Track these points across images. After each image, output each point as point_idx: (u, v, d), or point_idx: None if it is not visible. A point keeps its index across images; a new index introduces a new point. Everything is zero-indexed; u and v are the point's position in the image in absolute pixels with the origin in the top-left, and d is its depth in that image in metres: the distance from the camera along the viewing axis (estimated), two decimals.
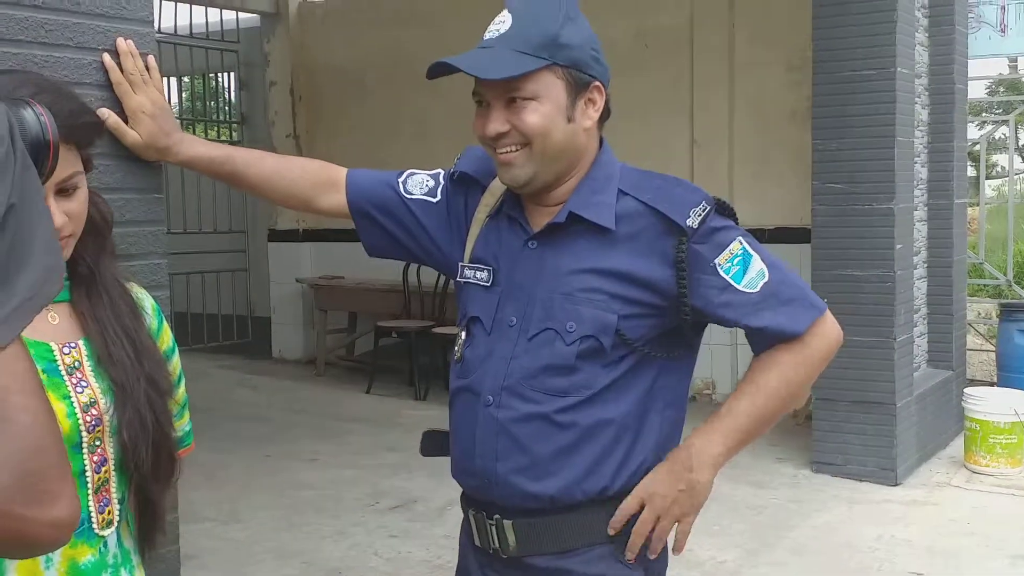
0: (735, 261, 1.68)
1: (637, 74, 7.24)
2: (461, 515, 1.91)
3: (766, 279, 1.69)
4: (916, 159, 5.79)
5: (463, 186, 1.89)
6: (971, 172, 7.68)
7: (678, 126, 7.20)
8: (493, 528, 1.78)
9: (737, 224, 1.75)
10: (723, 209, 1.73)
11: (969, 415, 5.47)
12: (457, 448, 1.82)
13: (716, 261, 1.68)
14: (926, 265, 6.09)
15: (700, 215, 1.68)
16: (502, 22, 1.69)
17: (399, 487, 5.14)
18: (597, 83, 1.71)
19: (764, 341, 1.73)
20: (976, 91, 7.40)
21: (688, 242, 1.67)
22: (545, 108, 1.67)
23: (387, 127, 8.31)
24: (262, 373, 8.33)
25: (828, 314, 1.74)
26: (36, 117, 1.07)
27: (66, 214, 1.39)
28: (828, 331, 1.74)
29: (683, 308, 1.69)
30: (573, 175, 1.75)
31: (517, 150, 1.69)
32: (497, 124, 1.68)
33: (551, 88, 1.67)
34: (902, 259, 5.36)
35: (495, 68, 1.65)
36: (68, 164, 1.39)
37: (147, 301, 1.58)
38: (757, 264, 1.70)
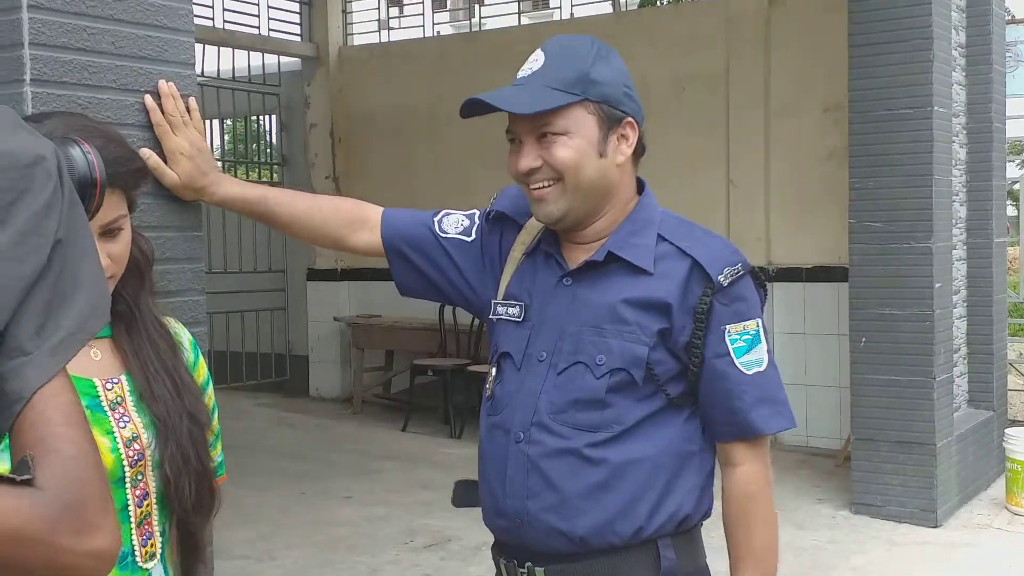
0: (744, 337, 1.70)
1: (673, 117, 7.28)
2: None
3: (761, 369, 1.71)
4: (954, 198, 5.76)
5: (499, 225, 1.90)
6: (1011, 211, 7.62)
7: (714, 168, 7.22)
8: None
9: (764, 295, 1.78)
10: (757, 279, 1.75)
11: (1010, 456, 5.39)
12: (487, 488, 1.80)
13: (727, 327, 1.69)
14: (966, 304, 6.04)
15: (732, 276, 1.69)
16: (535, 60, 1.72)
17: (433, 525, 5.14)
18: (629, 119, 1.73)
19: (725, 425, 1.73)
20: (1015, 130, 7.35)
21: (712, 296, 1.68)
22: (576, 143, 1.68)
23: (425, 170, 8.39)
24: (299, 411, 8.38)
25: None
26: (84, 156, 1.10)
27: (109, 256, 1.43)
28: (768, 454, 1.78)
29: (692, 359, 1.69)
30: (607, 211, 1.75)
31: (550, 186, 1.70)
32: (529, 160, 1.70)
33: (582, 123, 1.68)
34: (941, 298, 5.31)
35: (526, 103, 1.67)
36: (113, 208, 1.42)
37: (184, 335, 1.62)
38: (761, 352, 1.72)
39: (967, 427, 5.70)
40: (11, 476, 0.83)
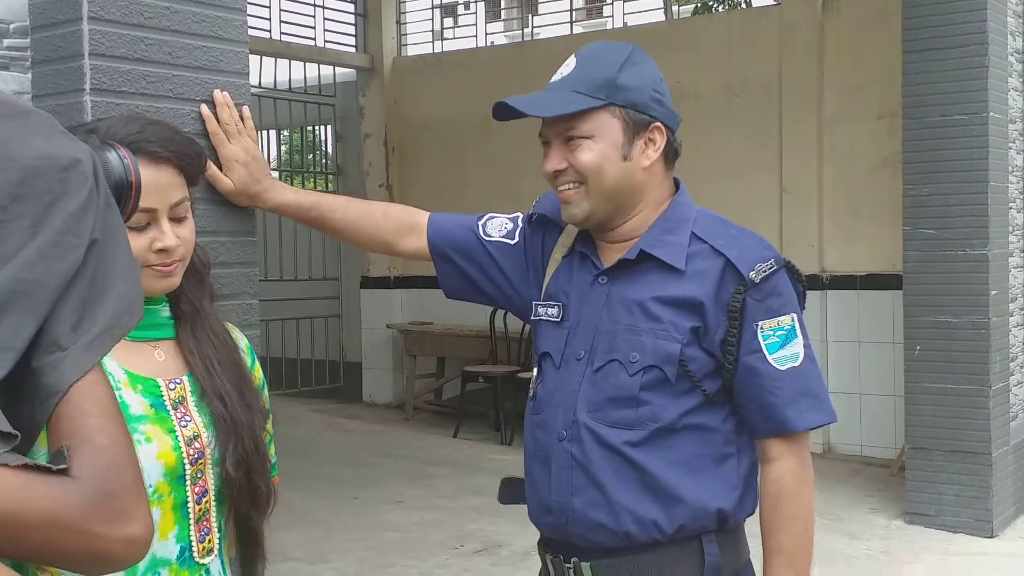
0: (778, 333, 1.71)
1: (726, 125, 7.27)
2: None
3: (796, 364, 1.71)
4: (1011, 204, 5.67)
5: (540, 228, 1.94)
6: None
7: (767, 175, 7.18)
8: (571, 572, 1.78)
9: (803, 289, 1.78)
10: (792, 272, 1.76)
11: None
12: (533, 486, 1.83)
13: (760, 323, 1.70)
14: (1023, 312, 5.94)
15: (765, 272, 1.71)
16: (567, 66, 1.78)
17: (483, 531, 5.17)
18: (657, 123, 1.75)
19: (761, 422, 1.74)
20: None
21: (745, 293, 1.69)
22: (600, 147, 1.72)
23: (477, 179, 8.45)
24: (353, 417, 8.47)
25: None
26: (120, 160, 1.15)
27: (179, 237, 1.48)
28: (808, 451, 1.78)
29: (727, 356, 1.71)
30: (637, 212, 1.78)
31: (574, 187, 1.75)
32: (555, 162, 1.75)
33: (607, 127, 1.72)
34: (997, 305, 5.24)
35: (550, 107, 1.73)
36: (178, 189, 1.49)
37: (242, 340, 1.67)
38: (796, 347, 1.72)
39: None
40: (47, 466, 0.86)
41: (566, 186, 1.75)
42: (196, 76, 1.98)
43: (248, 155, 1.95)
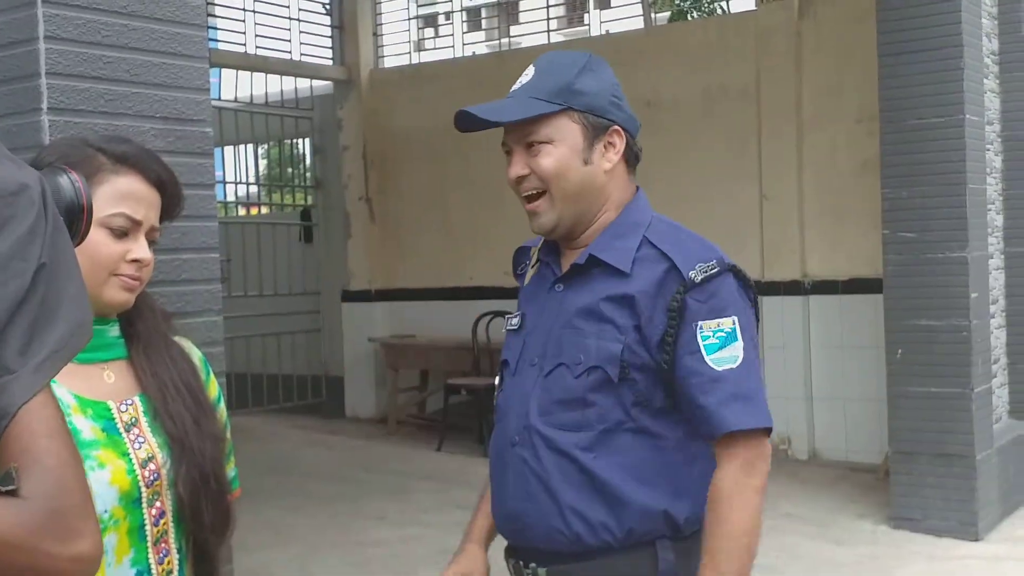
0: (717, 334, 1.69)
1: (704, 130, 7.26)
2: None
3: (734, 366, 1.68)
4: (990, 206, 5.68)
5: (521, 273, 1.97)
6: None
7: (747, 181, 7.18)
8: None
9: (754, 295, 1.77)
10: (740, 277, 1.75)
11: None
12: (494, 492, 1.86)
13: (700, 323, 1.69)
14: (1004, 314, 5.94)
15: (705, 271, 1.70)
16: (526, 74, 1.80)
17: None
18: (616, 127, 1.77)
19: (698, 424, 1.71)
20: None
21: (684, 294, 1.69)
22: (559, 151, 1.74)
23: (456, 189, 8.43)
24: (335, 432, 8.41)
25: (767, 441, 1.71)
26: (72, 184, 1.14)
27: (143, 261, 1.49)
28: (764, 450, 1.70)
29: (664, 355, 1.70)
30: (599, 217, 1.80)
31: (539, 196, 1.76)
32: (517, 168, 1.77)
33: (566, 132, 1.74)
34: (978, 308, 5.24)
35: (507, 112, 1.75)
36: (156, 215, 1.52)
37: (195, 353, 1.64)
38: (736, 349, 1.69)
39: (1008, 439, 5.61)
40: None
41: (530, 192, 1.77)
42: (156, 93, 1.96)
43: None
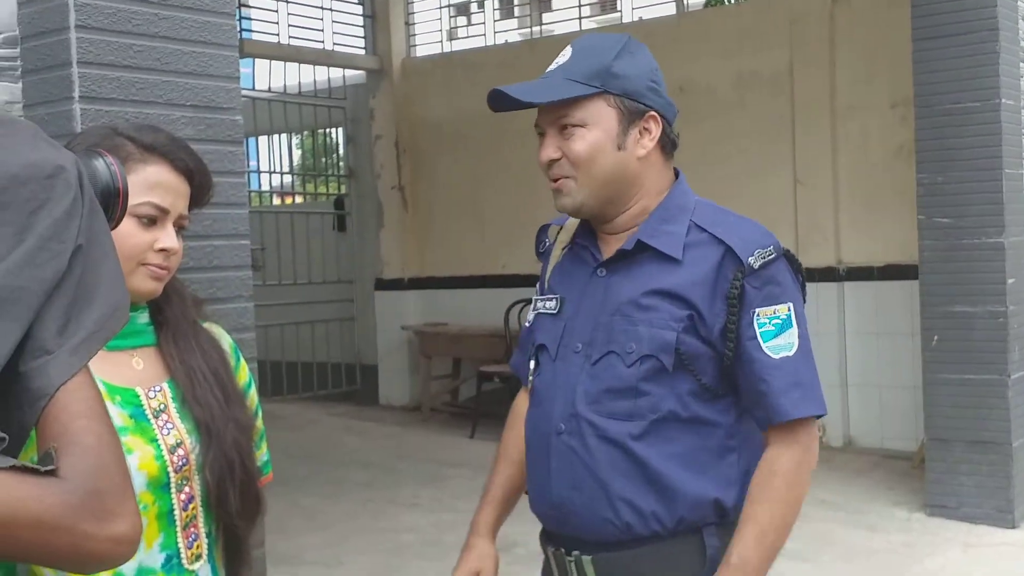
0: (773, 321, 1.68)
1: (738, 116, 7.22)
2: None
3: (790, 354, 1.68)
4: None
5: (546, 253, 1.95)
6: None
7: (780, 166, 7.13)
8: (572, 565, 1.77)
9: (803, 280, 1.76)
10: (792, 263, 1.74)
11: None
12: (534, 478, 1.83)
13: (757, 310, 1.68)
14: None
15: (764, 258, 1.68)
16: (563, 55, 1.76)
17: (499, 531, 5.14)
18: (653, 112, 1.73)
19: (756, 410, 1.72)
20: None
21: (743, 279, 1.67)
22: (593, 135, 1.71)
23: (488, 177, 8.43)
24: (369, 419, 8.46)
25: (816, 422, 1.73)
26: (107, 167, 1.16)
27: (171, 249, 1.50)
28: (815, 439, 1.74)
29: (728, 344, 1.68)
30: (636, 202, 1.77)
31: (567, 177, 1.73)
32: (550, 151, 1.74)
33: (601, 115, 1.71)
34: (1015, 294, 5.17)
35: (543, 93, 1.72)
36: (185, 203, 1.53)
37: (225, 341, 1.65)
38: (792, 336, 1.69)
39: None
40: (36, 467, 0.88)
41: (560, 175, 1.74)
42: (186, 82, 1.98)
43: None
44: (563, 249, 1.88)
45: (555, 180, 1.75)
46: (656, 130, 1.74)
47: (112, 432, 0.95)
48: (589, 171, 1.72)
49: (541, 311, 1.85)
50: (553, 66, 1.76)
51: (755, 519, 1.68)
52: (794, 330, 1.69)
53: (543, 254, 1.95)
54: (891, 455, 6.50)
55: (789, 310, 1.69)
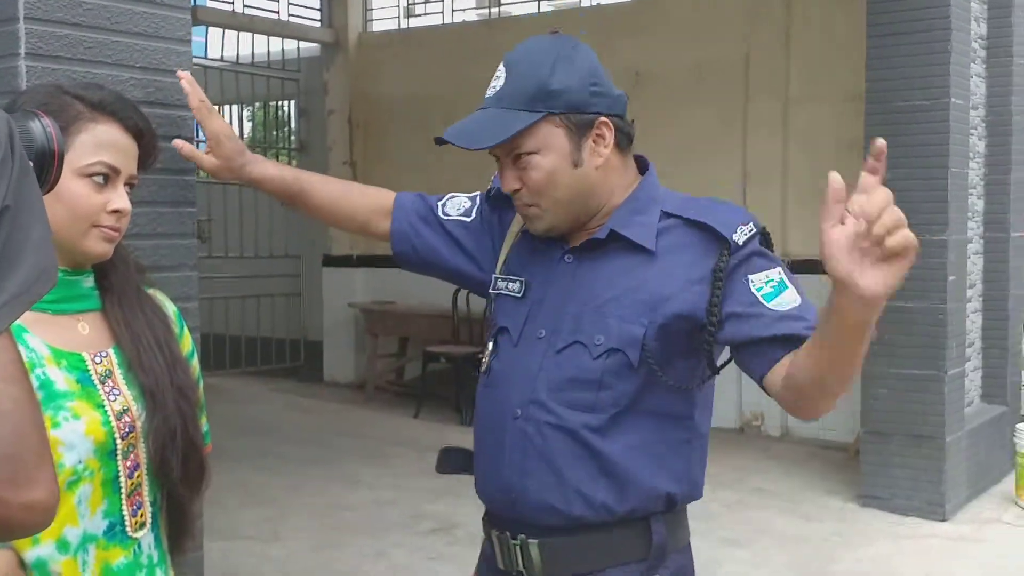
0: (770, 284, 1.65)
1: (691, 107, 7.25)
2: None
3: (797, 304, 1.64)
4: (972, 191, 5.70)
5: (498, 204, 1.92)
6: None
7: (730, 158, 7.19)
8: (518, 548, 1.76)
9: (775, 257, 1.73)
10: (767, 239, 1.72)
11: (1020, 451, 5.35)
12: (484, 460, 1.81)
13: (750, 277, 1.65)
14: (981, 299, 5.99)
15: (747, 234, 1.66)
16: (498, 78, 1.72)
17: (440, 511, 5.15)
18: (603, 118, 1.70)
19: (778, 345, 1.61)
20: None
21: (730, 255, 1.64)
22: (548, 161, 1.68)
23: (443, 156, 8.32)
24: (313, 396, 8.41)
25: None
26: (43, 129, 1.12)
27: (123, 209, 1.48)
28: None
29: (710, 325, 1.64)
30: (604, 205, 1.75)
31: (532, 206, 1.73)
32: (510, 182, 1.73)
33: (551, 138, 1.68)
34: (955, 292, 5.27)
35: (485, 135, 1.68)
36: (135, 164, 1.51)
37: (169, 307, 1.63)
38: (792, 295, 1.64)
39: (979, 422, 5.66)
40: None
41: (524, 203, 1.74)
42: (136, 43, 1.93)
43: (229, 129, 1.95)
44: (520, 228, 1.86)
45: (521, 208, 1.75)
46: (609, 135, 1.71)
47: (31, 398, 0.92)
48: (552, 196, 1.70)
49: (503, 292, 1.83)
50: (491, 92, 1.71)
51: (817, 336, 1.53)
52: (792, 290, 1.64)
53: (494, 197, 1.91)
54: (828, 446, 6.60)
55: (780, 274, 1.66)
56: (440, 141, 1.74)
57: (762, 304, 1.63)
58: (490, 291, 1.87)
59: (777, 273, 1.66)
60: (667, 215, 1.72)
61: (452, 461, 1.94)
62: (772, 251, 1.72)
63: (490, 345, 1.84)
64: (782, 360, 1.62)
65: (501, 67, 1.73)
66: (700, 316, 1.66)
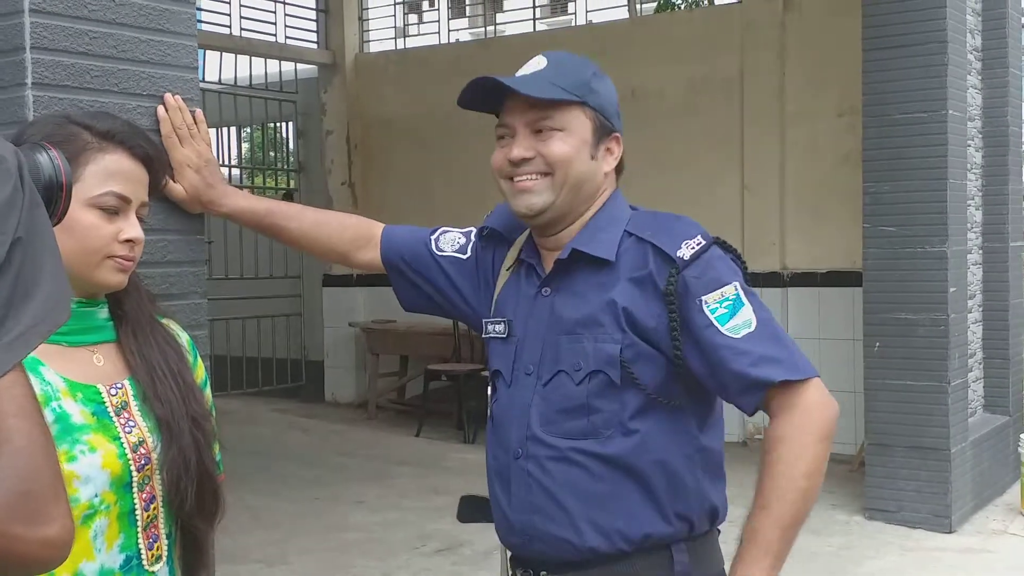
0: (724, 304, 1.64)
1: (688, 121, 7.28)
2: (505, 558, 1.89)
3: (751, 330, 1.62)
4: (970, 202, 5.72)
5: (492, 242, 1.93)
6: None
7: (728, 172, 7.21)
8: None
9: (742, 265, 1.73)
10: (725, 248, 1.73)
11: None
12: (496, 505, 1.81)
13: (703, 298, 1.64)
14: (982, 309, 6.00)
15: (694, 248, 1.67)
16: (538, 63, 1.76)
17: (445, 530, 5.13)
18: (616, 134, 1.78)
19: (743, 392, 1.63)
20: None
21: (679, 274, 1.65)
22: (572, 140, 1.72)
23: (442, 175, 8.41)
24: (315, 416, 8.40)
25: (819, 381, 1.63)
26: (51, 161, 1.12)
27: (136, 240, 1.47)
28: (823, 398, 1.62)
29: (675, 347, 1.65)
30: (584, 215, 1.77)
31: (538, 177, 1.72)
32: (522, 150, 1.72)
33: (579, 123, 1.73)
34: (956, 303, 5.28)
35: (533, 88, 1.70)
36: (145, 191, 1.51)
37: (183, 337, 1.62)
38: (747, 314, 1.64)
39: (983, 432, 5.66)
40: None
41: (527, 176, 1.72)
42: (143, 70, 1.93)
43: (201, 159, 1.91)
44: (508, 270, 1.86)
45: (521, 179, 1.73)
46: (618, 151, 1.78)
47: (45, 433, 0.92)
48: (566, 172, 1.71)
49: (491, 335, 1.83)
50: (528, 71, 1.74)
51: (761, 495, 1.60)
52: (747, 307, 1.64)
53: (487, 236, 1.92)
54: (831, 458, 6.53)
55: (736, 289, 1.65)
56: (474, 88, 1.73)
57: (716, 328, 1.63)
58: (483, 335, 1.88)
59: (732, 289, 1.65)
60: (628, 234, 1.74)
61: (472, 510, 1.94)
62: (738, 259, 1.73)
63: (490, 390, 1.85)
64: (768, 409, 1.64)
65: (540, 57, 1.76)
66: (664, 336, 1.66)
